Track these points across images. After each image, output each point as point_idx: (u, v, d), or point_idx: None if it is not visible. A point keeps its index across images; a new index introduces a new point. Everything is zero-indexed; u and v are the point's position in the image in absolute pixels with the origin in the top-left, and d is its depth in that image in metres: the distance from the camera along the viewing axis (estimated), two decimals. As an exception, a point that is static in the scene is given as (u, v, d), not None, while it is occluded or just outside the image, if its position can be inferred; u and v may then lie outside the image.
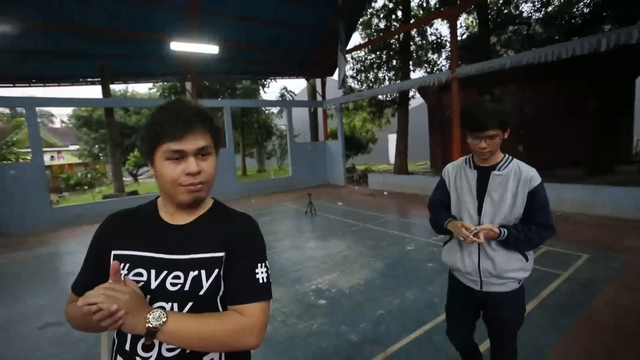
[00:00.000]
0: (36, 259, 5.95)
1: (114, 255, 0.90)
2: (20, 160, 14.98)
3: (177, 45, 8.99)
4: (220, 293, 0.90)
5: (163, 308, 0.82)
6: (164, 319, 0.76)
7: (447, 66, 15.35)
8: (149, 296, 0.84)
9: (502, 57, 9.52)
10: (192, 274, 0.86)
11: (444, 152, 14.06)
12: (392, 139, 23.60)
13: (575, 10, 12.66)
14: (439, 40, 15.35)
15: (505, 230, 1.50)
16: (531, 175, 1.52)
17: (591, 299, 3.21)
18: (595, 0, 11.89)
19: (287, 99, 20.83)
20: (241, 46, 11.82)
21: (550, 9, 13.41)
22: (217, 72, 13.11)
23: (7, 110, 24.57)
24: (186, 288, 0.85)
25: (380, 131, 20.15)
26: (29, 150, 8.66)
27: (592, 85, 9.91)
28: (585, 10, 12.26)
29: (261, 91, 21.53)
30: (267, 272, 0.92)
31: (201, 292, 0.86)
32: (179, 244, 0.89)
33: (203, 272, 0.87)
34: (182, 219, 0.93)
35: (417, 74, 26.76)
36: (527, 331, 2.73)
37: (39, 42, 9.35)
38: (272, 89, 68.62)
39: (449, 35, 13.37)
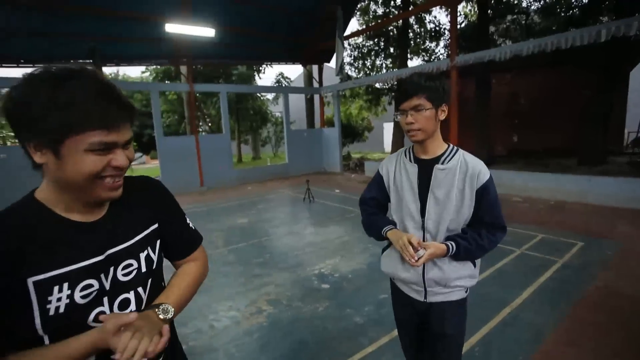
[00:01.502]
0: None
1: (35, 282, 0.68)
2: (9, 144, 14.56)
3: (173, 28, 8.73)
4: (162, 259, 0.95)
5: (139, 300, 0.85)
6: (171, 308, 0.83)
7: (444, 55, 15.28)
8: (106, 297, 0.78)
9: (502, 47, 9.51)
10: (142, 255, 0.86)
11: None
12: (387, 127, 23.60)
13: (574, 0, 12.64)
14: (437, 29, 15.23)
15: (452, 244, 1.30)
16: (479, 169, 1.30)
17: (586, 284, 3.30)
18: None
19: (283, 85, 20.58)
20: (237, 30, 11.55)
21: (549, -1, 13.36)
22: (212, 56, 12.83)
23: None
24: (143, 270, 0.85)
25: (376, 119, 20.11)
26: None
27: (586, 76, 9.98)
28: (584, 1, 12.24)
29: (256, 77, 21.23)
30: (188, 217, 1.03)
31: (154, 267, 0.89)
32: (115, 234, 0.81)
33: (149, 248, 0.88)
34: (98, 212, 0.81)
35: (414, 62, 26.62)
36: (526, 315, 2.82)
37: (25, 21, 9.00)
38: (268, 75, 67.72)
39: (447, 23, 13.27)
